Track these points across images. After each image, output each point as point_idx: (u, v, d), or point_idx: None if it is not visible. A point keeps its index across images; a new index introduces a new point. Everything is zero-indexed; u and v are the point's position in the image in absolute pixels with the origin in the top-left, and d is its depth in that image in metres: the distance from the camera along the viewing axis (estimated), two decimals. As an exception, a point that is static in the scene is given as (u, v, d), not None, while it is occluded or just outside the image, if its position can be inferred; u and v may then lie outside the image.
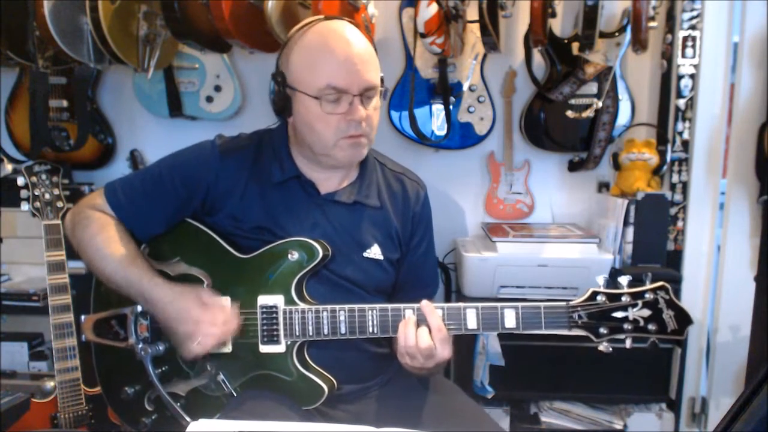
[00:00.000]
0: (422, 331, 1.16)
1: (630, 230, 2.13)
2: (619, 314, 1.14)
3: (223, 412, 1.21)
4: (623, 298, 1.14)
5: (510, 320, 1.17)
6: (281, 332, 1.22)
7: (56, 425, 1.77)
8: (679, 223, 2.19)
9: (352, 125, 1.21)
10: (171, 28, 1.85)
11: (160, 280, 1.23)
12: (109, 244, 1.26)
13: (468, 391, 1.38)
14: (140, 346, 1.26)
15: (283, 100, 1.25)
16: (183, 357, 1.24)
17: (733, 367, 2.15)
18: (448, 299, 2.33)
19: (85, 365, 1.78)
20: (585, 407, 2.15)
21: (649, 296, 1.13)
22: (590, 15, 1.95)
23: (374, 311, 1.19)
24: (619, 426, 2.11)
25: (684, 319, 1.12)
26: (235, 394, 1.25)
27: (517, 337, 1.18)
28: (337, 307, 1.20)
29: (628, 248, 2.14)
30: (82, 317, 1.35)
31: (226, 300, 1.24)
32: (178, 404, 1.26)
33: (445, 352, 1.16)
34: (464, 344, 2.07)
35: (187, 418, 1.24)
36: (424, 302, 1.18)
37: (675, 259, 2.19)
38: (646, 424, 2.13)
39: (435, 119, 2.31)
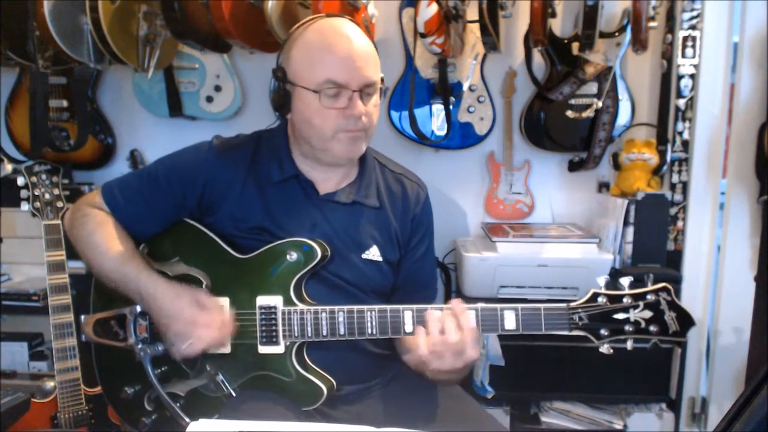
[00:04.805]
0: (449, 327, 1.11)
1: (630, 230, 2.13)
2: (620, 316, 1.13)
3: (223, 413, 1.21)
4: (624, 300, 1.13)
5: (510, 322, 1.16)
6: (280, 333, 1.22)
7: (56, 425, 1.77)
8: (679, 223, 2.19)
9: (351, 120, 1.22)
10: (171, 28, 1.85)
11: (157, 277, 1.23)
12: (106, 240, 1.26)
13: (468, 391, 1.37)
14: (139, 346, 1.26)
15: (282, 96, 1.26)
16: (174, 358, 1.23)
17: (734, 367, 2.15)
18: (448, 299, 2.33)
19: (85, 365, 1.78)
20: (585, 407, 2.15)
21: (650, 297, 1.12)
22: (590, 15, 1.95)
23: (373, 312, 1.19)
24: (619, 426, 2.11)
25: (686, 320, 1.11)
26: (234, 395, 1.25)
27: (517, 338, 1.17)
28: (336, 308, 1.20)
29: (628, 248, 2.14)
30: (82, 317, 1.36)
31: (225, 300, 1.24)
32: (178, 404, 1.26)
33: (474, 352, 1.12)
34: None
35: (186, 419, 1.24)
36: (456, 301, 1.15)
37: (675, 259, 2.19)
38: (646, 424, 2.13)
39: (435, 119, 2.30)
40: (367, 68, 1.22)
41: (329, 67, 1.20)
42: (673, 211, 2.18)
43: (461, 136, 2.32)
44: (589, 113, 2.20)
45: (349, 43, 1.21)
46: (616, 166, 2.26)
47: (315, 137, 1.25)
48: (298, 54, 1.24)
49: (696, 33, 2.12)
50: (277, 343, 1.22)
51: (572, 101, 2.21)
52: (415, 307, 1.18)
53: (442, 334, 1.11)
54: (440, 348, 1.10)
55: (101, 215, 1.31)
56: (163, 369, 1.28)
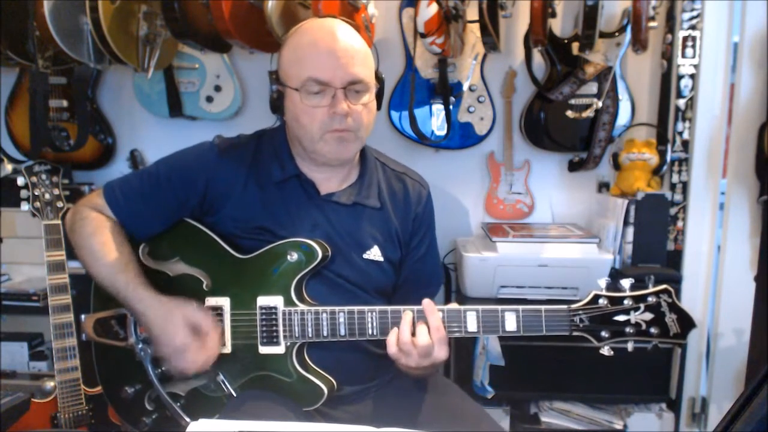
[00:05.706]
0: (421, 329, 1.15)
1: (630, 230, 2.13)
2: (621, 318, 1.13)
3: (223, 413, 1.21)
4: (625, 302, 1.13)
5: (511, 323, 1.16)
6: (281, 333, 1.22)
7: (56, 425, 1.77)
8: (679, 223, 2.19)
9: (336, 119, 1.20)
10: (171, 28, 1.85)
11: (147, 293, 1.22)
12: (102, 247, 1.25)
13: (468, 391, 1.38)
14: (140, 346, 1.26)
15: (276, 99, 1.27)
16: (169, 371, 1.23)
17: (733, 367, 2.15)
18: (448, 299, 2.33)
19: (85, 365, 1.78)
20: (585, 407, 2.15)
21: (651, 299, 1.12)
22: (590, 15, 1.95)
23: (374, 313, 1.19)
24: (619, 426, 2.11)
25: (687, 322, 1.12)
26: (234, 395, 1.25)
27: (517, 338, 1.17)
28: (337, 308, 1.20)
29: (628, 248, 2.14)
30: (83, 316, 1.36)
31: (225, 301, 1.24)
32: (178, 404, 1.26)
33: (441, 352, 1.16)
34: (464, 344, 2.07)
35: (187, 419, 1.24)
36: (426, 301, 1.18)
37: (675, 259, 2.19)
38: (646, 424, 2.12)
39: (435, 119, 2.30)
40: (353, 65, 1.20)
41: (311, 65, 1.19)
42: (673, 211, 2.18)
43: (461, 136, 2.32)
44: (589, 113, 2.20)
45: (334, 41, 1.20)
46: (616, 166, 2.26)
47: (305, 138, 1.24)
48: (287, 54, 1.25)
49: (696, 33, 2.12)
50: (277, 343, 1.22)
51: (572, 101, 2.21)
52: (415, 308, 1.18)
53: (412, 336, 1.15)
54: (408, 347, 1.15)
55: (100, 219, 1.30)
56: (163, 368, 1.28)
